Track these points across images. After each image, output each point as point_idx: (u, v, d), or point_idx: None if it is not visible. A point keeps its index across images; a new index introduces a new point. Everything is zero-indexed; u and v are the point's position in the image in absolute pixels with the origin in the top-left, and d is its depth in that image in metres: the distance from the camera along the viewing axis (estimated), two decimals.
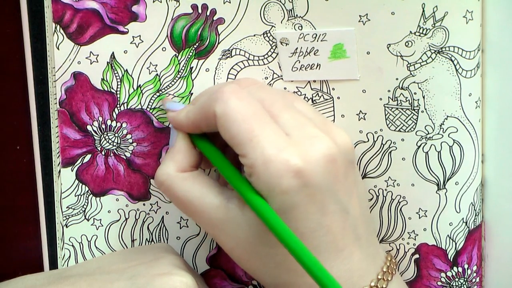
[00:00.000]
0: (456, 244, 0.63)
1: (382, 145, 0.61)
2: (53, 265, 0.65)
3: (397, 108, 0.60)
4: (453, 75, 0.58)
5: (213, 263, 0.66)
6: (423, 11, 0.57)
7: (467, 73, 0.58)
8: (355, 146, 0.61)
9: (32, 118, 0.61)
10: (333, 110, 0.61)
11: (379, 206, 0.63)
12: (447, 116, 0.60)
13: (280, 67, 0.60)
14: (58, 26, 0.60)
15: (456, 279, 0.64)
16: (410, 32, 0.58)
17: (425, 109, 0.60)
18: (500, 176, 0.62)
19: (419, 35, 0.58)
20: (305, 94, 0.60)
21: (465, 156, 0.61)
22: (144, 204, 0.64)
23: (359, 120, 0.61)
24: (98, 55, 0.61)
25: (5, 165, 0.64)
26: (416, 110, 0.60)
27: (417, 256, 0.64)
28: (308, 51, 0.59)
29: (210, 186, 0.54)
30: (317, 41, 0.59)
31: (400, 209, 0.63)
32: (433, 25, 0.57)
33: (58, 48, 0.60)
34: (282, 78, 0.60)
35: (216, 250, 0.65)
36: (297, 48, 0.59)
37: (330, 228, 0.51)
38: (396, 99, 0.60)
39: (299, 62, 0.59)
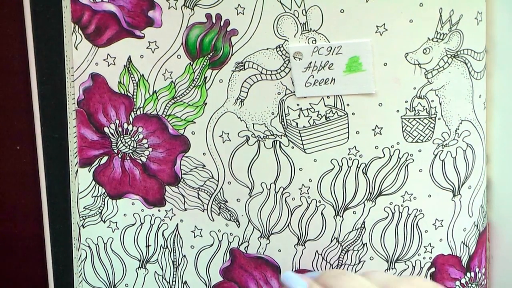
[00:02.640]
0: (469, 249, 0.62)
1: (399, 159, 0.60)
2: (56, 264, 0.66)
3: (414, 119, 0.59)
4: (467, 78, 0.58)
5: (227, 275, 0.66)
6: (440, 15, 0.56)
7: (477, 75, 0.58)
8: (370, 164, 0.61)
9: (35, 119, 0.62)
10: (347, 127, 0.60)
11: (395, 224, 0.62)
12: (462, 121, 0.59)
13: (293, 82, 0.59)
14: (77, 26, 0.61)
15: (469, 284, 0.63)
16: (428, 38, 0.57)
17: (442, 115, 0.59)
18: (504, 176, 0.61)
19: (437, 41, 0.57)
20: (318, 111, 0.60)
21: (476, 159, 0.60)
22: (159, 210, 0.65)
23: (374, 135, 0.60)
24: (115, 57, 0.61)
25: (9, 164, 0.64)
26: (433, 118, 0.59)
27: (433, 269, 0.63)
28: (323, 65, 0.58)
29: None
30: (332, 54, 0.58)
31: (417, 224, 0.62)
32: (450, 29, 0.57)
33: (76, 48, 0.61)
34: (295, 94, 0.59)
35: (229, 262, 0.65)
36: (311, 63, 0.58)
37: None
38: (413, 109, 0.59)
39: (313, 77, 0.58)
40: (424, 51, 0.57)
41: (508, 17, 0.56)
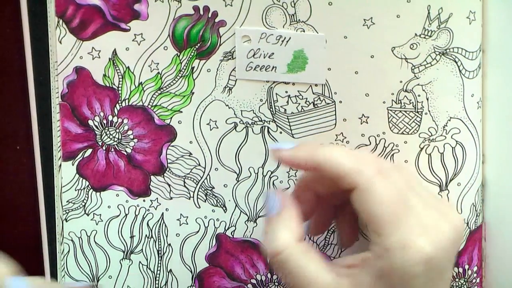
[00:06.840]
0: None
1: (385, 148, 0.63)
2: (53, 264, 0.67)
3: (400, 111, 0.62)
4: (457, 76, 0.60)
5: (212, 261, 0.67)
6: (429, 13, 0.59)
7: (469, 74, 0.60)
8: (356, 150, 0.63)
9: (32, 118, 0.62)
10: (335, 114, 0.62)
11: None
12: (450, 118, 0.61)
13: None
14: (61, 21, 0.61)
15: (457, 280, 0.65)
16: (415, 34, 0.60)
17: (429, 111, 0.61)
18: (500, 176, 0.63)
19: (424, 37, 0.60)
20: (306, 98, 0.62)
21: (467, 157, 0.62)
22: (144, 200, 0.66)
23: (361, 123, 0.62)
24: (100, 51, 0.62)
25: (5, 164, 0.64)
26: (419, 112, 0.61)
27: None
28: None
29: (321, 261, 0.53)
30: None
31: None
32: (438, 27, 0.59)
33: (60, 42, 0.62)
34: (284, 82, 0.61)
35: (215, 248, 0.67)
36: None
37: None
38: (399, 101, 0.61)
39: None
40: (411, 46, 0.59)
41: (503, 17, 0.58)
